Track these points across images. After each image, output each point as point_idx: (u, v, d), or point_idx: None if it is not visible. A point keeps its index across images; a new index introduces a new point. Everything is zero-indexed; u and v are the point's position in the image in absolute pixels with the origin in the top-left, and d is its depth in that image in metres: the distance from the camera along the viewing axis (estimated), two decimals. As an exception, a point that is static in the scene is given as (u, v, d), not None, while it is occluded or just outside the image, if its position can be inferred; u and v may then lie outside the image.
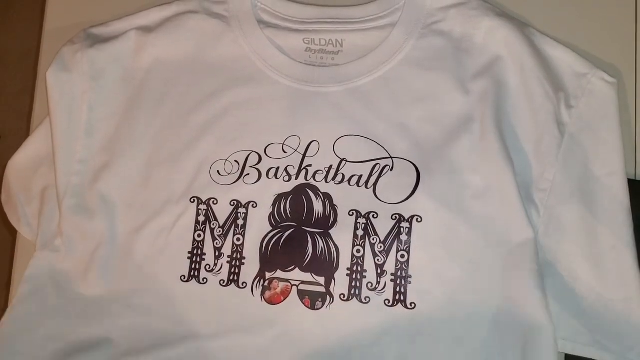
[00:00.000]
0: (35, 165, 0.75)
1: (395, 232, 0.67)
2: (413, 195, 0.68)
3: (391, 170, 0.69)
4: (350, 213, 0.68)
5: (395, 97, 0.71)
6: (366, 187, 0.69)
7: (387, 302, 0.66)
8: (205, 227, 0.70)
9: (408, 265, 0.67)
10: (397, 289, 0.66)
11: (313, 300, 0.67)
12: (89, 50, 0.73)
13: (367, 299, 0.67)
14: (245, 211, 0.69)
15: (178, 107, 0.72)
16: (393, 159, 0.69)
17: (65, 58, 0.73)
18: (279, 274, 0.68)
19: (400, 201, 0.68)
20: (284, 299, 0.67)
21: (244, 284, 0.68)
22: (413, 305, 0.66)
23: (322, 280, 0.67)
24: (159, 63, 0.74)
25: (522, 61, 0.70)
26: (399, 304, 0.66)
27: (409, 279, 0.66)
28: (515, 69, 0.70)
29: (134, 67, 0.74)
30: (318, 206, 0.69)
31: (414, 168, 0.68)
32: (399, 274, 0.67)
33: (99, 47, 0.73)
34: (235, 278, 0.68)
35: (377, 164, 0.69)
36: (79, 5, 0.82)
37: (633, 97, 0.75)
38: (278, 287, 0.68)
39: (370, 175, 0.69)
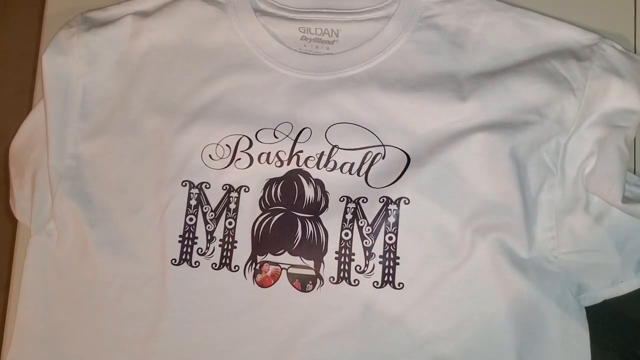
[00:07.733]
0: (28, 149, 0.76)
1: (383, 215, 0.67)
2: (401, 178, 0.68)
3: (383, 158, 0.69)
4: (341, 199, 0.69)
5: (388, 88, 0.71)
6: (358, 175, 0.69)
7: (375, 284, 0.67)
8: (197, 210, 0.70)
9: (396, 247, 0.67)
10: (386, 271, 0.67)
11: (303, 283, 0.68)
12: (85, 34, 0.74)
13: (356, 282, 0.67)
14: (237, 195, 0.70)
15: (172, 92, 0.73)
16: (385, 146, 0.69)
17: (61, 41, 0.74)
18: (270, 257, 0.68)
19: (388, 184, 0.68)
20: (274, 282, 0.68)
21: (236, 267, 0.68)
22: (401, 285, 0.66)
23: (311, 263, 0.68)
24: (154, 48, 0.74)
25: (521, 57, 0.70)
26: (387, 285, 0.67)
27: (397, 261, 0.67)
28: (512, 66, 0.70)
29: (129, 52, 0.74)
30: (309, 192, 0.69)
31: (406, 155, 0.69)
32: (387, 255, 0.67)
33: (95, 31, 0.74)
34: (228, 262, 0.69)
35: (369, 151, 0.69)
36: (78, 7, 0.81)
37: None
38: (268, 270, 0.68)
39: (362, 163, 0.69)
